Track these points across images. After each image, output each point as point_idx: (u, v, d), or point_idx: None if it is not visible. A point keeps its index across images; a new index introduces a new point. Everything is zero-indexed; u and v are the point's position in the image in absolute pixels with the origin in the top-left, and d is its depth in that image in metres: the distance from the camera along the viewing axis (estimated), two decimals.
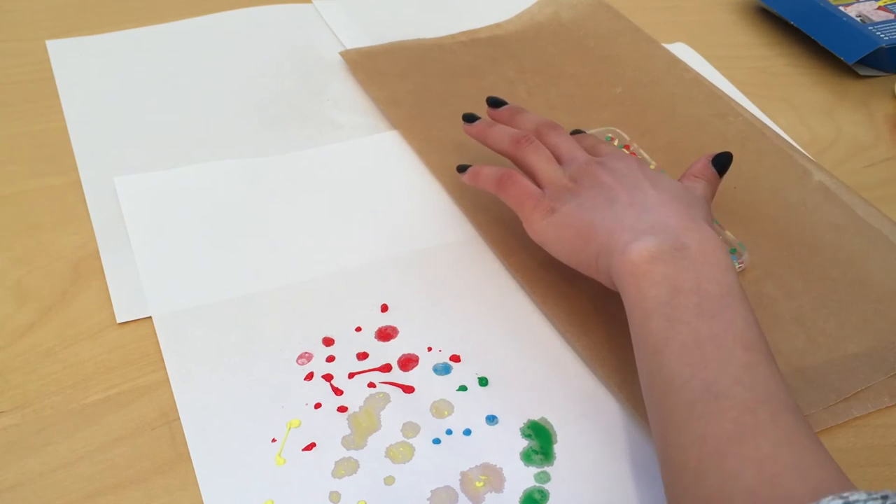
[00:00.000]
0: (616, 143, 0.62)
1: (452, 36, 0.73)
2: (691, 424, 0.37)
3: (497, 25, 0.75)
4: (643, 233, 0.43)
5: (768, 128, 0.65)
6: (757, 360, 0.38)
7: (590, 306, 0.50)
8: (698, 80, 0.69)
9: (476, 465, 0.43)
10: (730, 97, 0.68)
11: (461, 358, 0.48)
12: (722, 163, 0.53)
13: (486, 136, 0.55)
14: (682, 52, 0.75)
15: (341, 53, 0.71)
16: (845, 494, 0.31)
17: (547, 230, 0.48)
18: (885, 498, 0.30)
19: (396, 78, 0.67)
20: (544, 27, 0.75)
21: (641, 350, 0.41)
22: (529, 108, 0.65)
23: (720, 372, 0.38)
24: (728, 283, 0.41)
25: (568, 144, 0.53)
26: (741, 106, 0.67)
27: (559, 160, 0.52)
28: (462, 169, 0.54)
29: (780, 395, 0.37)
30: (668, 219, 0.44)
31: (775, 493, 0.34)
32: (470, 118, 0.56)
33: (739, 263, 0.53)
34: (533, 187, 0.50)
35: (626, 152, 0.52)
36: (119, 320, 0.49)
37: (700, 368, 0.38)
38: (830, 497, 0.32)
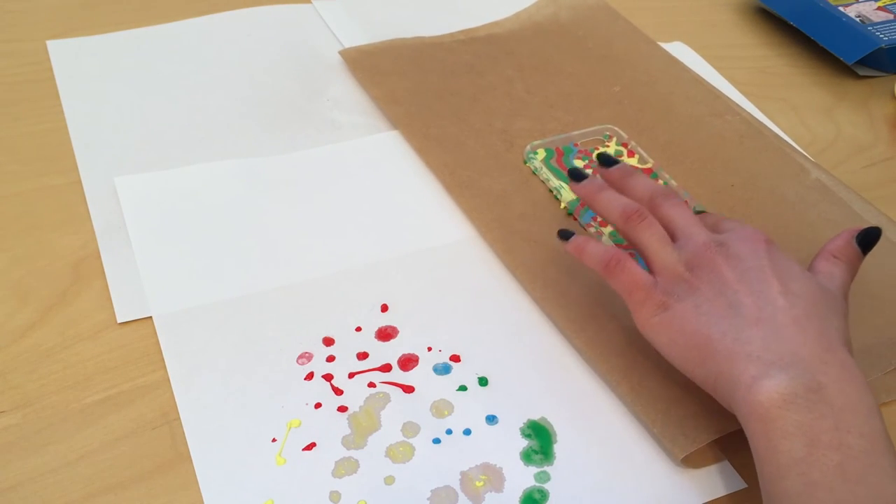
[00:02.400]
0: (614, 140, 0.62)
1: (451, 34, 0.74)
2: None
3: (496, 23, 0.75)
4: (772, 366, 0.38)
5: (766, 127, 0.65)
6: None
7: (589, 304, 0.50)
8: (696, 80, 0.69)
9: (476, 465, 0.43)
10: (727, 97, 0.68)
11: (461, 358, 0.48)
12: (868, 240, 0.47)
13: (596, 201, 0.49)
14: (680, 51, 0.75)
15: (340, 52, 0.71)
16: None
17: (658, 330, 0.43)
18: None
19: (395, 76, 0.68)
20: (543, 27, 0.75)
21: None
22: (528, 106, 0.66)
23: None
24: (873, 433, 0.36)
25: (684, 218, 0.47)
26: (739, 105, 0.67)
27: (673, 236, 0.46)
28: (565, 236, 0.49)
29: None
30: (801, 347, 0.39)
31: None
32: (577, 176, 0.50)
33: None
34: (644, 276, 0.45)
35: (753, 232, 0.45)
36: (119, 320, 0.49)
37: None
38: None
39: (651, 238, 0.46)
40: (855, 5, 0.78)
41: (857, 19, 0.76)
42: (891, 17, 0.77)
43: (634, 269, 0.45)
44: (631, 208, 0.47)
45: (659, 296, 0.44)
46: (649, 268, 0.46)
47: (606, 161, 0.52)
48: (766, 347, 0.39)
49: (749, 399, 0.38)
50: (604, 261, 0.46)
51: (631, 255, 0.48)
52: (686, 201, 0.50)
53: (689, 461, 0.44)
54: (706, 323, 0.41)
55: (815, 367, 0.38)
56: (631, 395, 0.46)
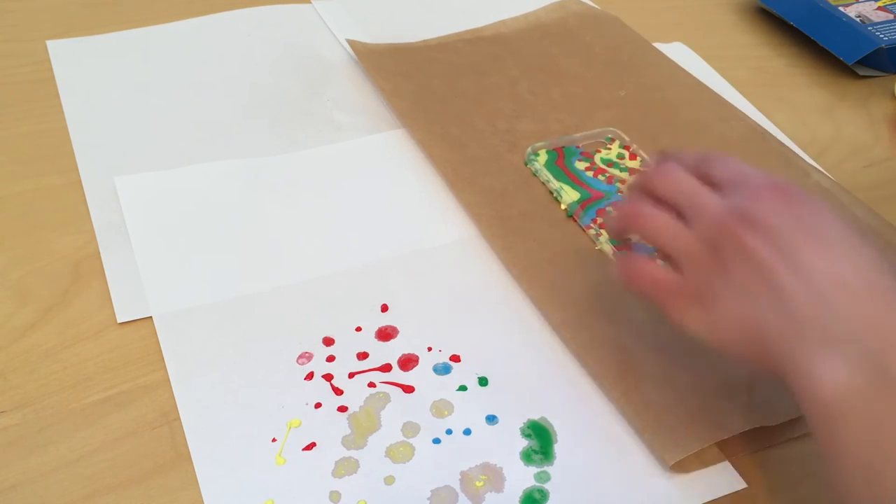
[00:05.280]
0: (616, 143, 0.62)
1: (458, 34, 0.74)
2: None
3: (502, 23, 0.76)
4: (826, 343, 0.34)
5: (768, 132, 0.65)
6: None
7: (586, 305, 0.50)
8: (701, 86, 0.70)
9: (476, 465, 0.43)
10: (731, 103, 0.68)
11: (461, 358, 0.48)
12: None
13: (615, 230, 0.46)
14: (680, 51, 0.75)
15: (349, 41, 0.71)
16: None
17: (704, 328, 0.39)
18: None
19: (399, 77, 0.68)
20: (550, 30, 0.75)
21: None
22: (532, 107, 0.66)
23: None
24: None
25: (683, 184, 0.41)
26: (742, 111, 0.67)
27: (679, 211, 0.41)
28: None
29: None
30: (856, 313, 0.34)
31: None
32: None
33: None
34: (662, 273, 0.41)
35: (766, 183, 0.39)
36: (119, 320, 0.49)
37: None
38: None
39: (653, 226, 0.41)
40: (855, 5, 0.78)
41: (857, 19, 0.76)
42: (891, 17, 0.77)
43: (650, 271, 0.41)
44: (621, 214, 0.44)
45: (689, 292, 0.39)
46: (670, 263, 0.41)
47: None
48: (815, 317, 0.35)
49: (805, 393, 0.34)
50: (622, 269, 0.42)
51: (651, 259, 0.44)
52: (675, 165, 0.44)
53: (681, 466, 0.43)
54: (751, 311, 0.37)
55: (876, 341, 0.33)
56: (623, 400, 0.46)
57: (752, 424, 0.44)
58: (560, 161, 0.60)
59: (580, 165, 0.60)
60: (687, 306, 0.39)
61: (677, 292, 0.40)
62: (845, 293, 0.35)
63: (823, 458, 0.34)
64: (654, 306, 0.42)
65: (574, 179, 0.59)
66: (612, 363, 0.47)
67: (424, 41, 0.72)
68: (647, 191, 0.43)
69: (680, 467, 0.43)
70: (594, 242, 0.54)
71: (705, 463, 0.44)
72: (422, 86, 0.67)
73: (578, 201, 0.57)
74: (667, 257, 0.41)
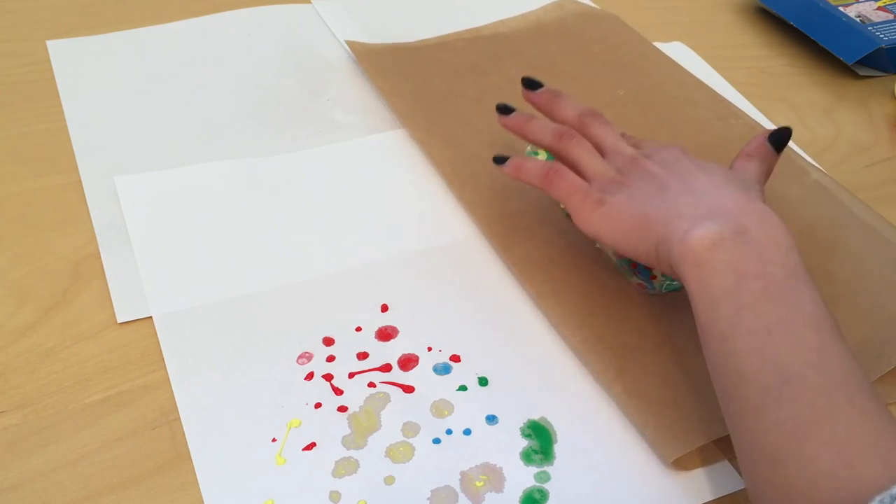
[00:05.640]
0: None
1: (457, 33, 0.74)
2: (766, 411, 0.37)
3: (501, 23, 0.76)
4: (701, 218, 0.43)
5: (768, 131, 0.65)
6: (828, 342, 0.38)
7: (587, 303, 0.50)
8: (700, 84, 0.70)
9: (476, 465, 0.43)
10: (731, 102, 0.68)
11: (461, 358, 0.48)
12: (779, 138, 0.51)
13: (526, 130, 0.53)
14: (679, 51, 0.75)
15: (348, 42, 0.71)
16: None
17: (599, 223, 0.47)
18: None
19: (399, 77, 0.68)
20: (549, 29, 0.75)
21: (709, 339, 0.41)
22: (529, 106, 0.65)
23: (791, 356, 0.37)
24: (792, 264, 0.41)
25: (612, 136, 0.51)
26: (742, 110, 0.67)
27: (603, 153, 0.51)
28: (501, 160, 0.52)
29: (854, 376, 0.37)
30: (724, 202, 0.44)
31: (855, 476, 0.34)
32: (506, 109, 0.54)
33: None
34: (580, 181, 0.49)
35: (671, 145, 0.51)
36: (119, 320, 0.49)
37: (771, 354, 0.38)
38: None
39: (582, 152, 0.50)
40: (855, 5, 0.78)
41: (857, 19, 0.76)
42: (891, 17, 0.77)
43: (571, 177, 0.49)
44: (561, 129, 0.51)
45: (595, 194, 0.48)
46: (584, 177, 0.49)
47: (532, 85, 0.55)
48: (694, 206, 0.44)
49: (683, 248, 0.42)
50: (542, 173, 0.50)
51: None
52: (609, 122, 0.53)
53: (681, 464, 0.44)
54: (640, 204, 0.46)
55: (738, 215, 0.42)
56: (624, 396, 0.46)
57: None
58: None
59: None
60: (590, 205, 0.47)
61: (585, 194, 0.48)
62: (717, 191, 0.45)
63: (694, 300, 0.41)
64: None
65: None
66: (613, 361, 0.47)
67: (423, 41, 0.72)
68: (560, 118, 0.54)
69: (680, 465, 0.43)
70: (593, 241, 0.54)
71: (705, 462, 0.44)
72: (421, 85, 0.67)
73: None
74: (584, 176, 0.50)
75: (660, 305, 0.51)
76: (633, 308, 0.50)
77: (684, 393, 0.45)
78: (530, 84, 0.55)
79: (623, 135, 0.53)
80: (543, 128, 0.52)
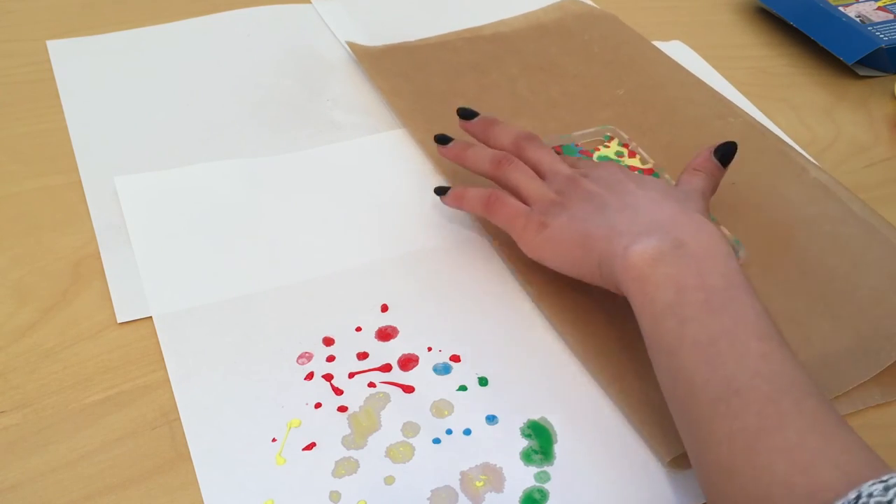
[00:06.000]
0: (615, 141, 0.62)
1: (457, 32, 0.74)
2: (717, 423, 0.37)
3: (502, 22, 0.76)
4: (639, 235, 0.44)
5: (768, 129, 0.65)
6: (772, 350, 0.38)
7: (586, 304, 0.50)
8: (700, 83, 0.70)
9: (476, 465, 0.43)
10: (730, 100, 0.68)
11: (461, 358, 0.48)
12: (724, 153, 0.52)
13: (464, 158, 0.54)
14: (679, 50, 0.75)
15: (348, 43, 0.71)
16: (885, 478, 0.31)
17: (542, 246, 0.48)
18: None
19: (399, 78, 0.68)
20: (549, 29, 0.75)
21: (656, 352, 0.41)
22: (531, 106, 0.66)
23: (737, 366, 0.38)
24: (730, 273, 0.41)
25: (548, 157, 0.52)
26: (742, 109, 0.67)
27: (541, 175, 0.52)
28: (442, 191, 0.54)
29: (801, 382, 0.37)
30: (661, 216, 0.45)
31: (811, 483, 0.34)
32: (443, 140, 0.55)
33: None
34: (521, 205, 0.50)
35: (608, 161, 0.53)
36: (119, 320, 0.49)
37: (718, 365, 0.38)
38: (870, 483, 0.31)
39: (521, 176, 0.51)
40: (855, 5, 0.78)
41: (857, 19, 0.76)
42: (891, 17, 0.77)
43: (512, 202, 0.50)
44: (498, 155, 0.52)
45: (537, 217, 0.48)
46: (524, 201, 0.50)
47: (466, 115, 0.56)
48: (633, 222, 0.45)
49: (625, 265, 0.43)
50: (483, 200, 0.51)
51: None
52: (546, 146, 0.54)
53: (679, 463, 0.43)
54: (581, 224, 0.47)
55: (675, 229, 0.43)
56: (621, 396, 0.46)
57: None
58: None
59: None
60: (532, 229, 0.48)
61: (526, 219, 0.49)
62: (653, 205, 0.46)
63: (639, 315, 0.42)
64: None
65: None
66: (611, 361, 0.47)
67: (423, 40, 0.72)
68: (494, 143, 0.55)
69: (677, 464, 0.43)
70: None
71: None
72: (421, 85, 0.67)
73: None
74: (524, 202, 0.50)
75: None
76: (629, 308, 0.50)
77: None
78: (465, 114, 0.56)
79: (559, 156, 0.54)
80: (481, 155, 0.53)
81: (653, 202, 0.46)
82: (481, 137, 0.55)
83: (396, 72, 0.68)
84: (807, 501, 0.33)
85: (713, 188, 0.51)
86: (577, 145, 0.62)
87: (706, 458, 0.38)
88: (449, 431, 0.45)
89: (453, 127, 0.63)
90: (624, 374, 0.46)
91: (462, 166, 0.54)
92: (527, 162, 0.52)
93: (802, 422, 0.36)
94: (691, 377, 0.39)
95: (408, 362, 0.48)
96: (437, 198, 0.54)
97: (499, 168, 0.52)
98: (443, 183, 0.59)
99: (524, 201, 0.50)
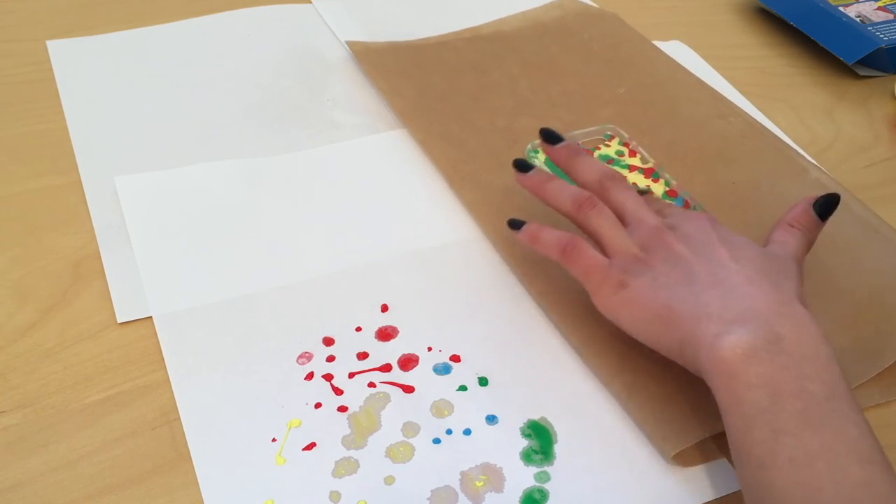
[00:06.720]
0: (616, 140, 0.62)
1: (456, 32, 0.74)
2: None
3: (502, 21, 0.76)
4: (732, 323, 0.40)
5: (767, 129, 0.65)
6: (875, 477, 0.35)
7: (587, 301, 0.50)
8: (700, 83, 0.70)
9: (476, 465, 0.43)
10: (731, 100, 0.68)
11: (461, 358, 0.48)
12: (825, 206, 0.48)
13: (544, 192, 0.50)
14: (678, 50, 0.75)
15: (348, 43, 0.71)
16: None
17: (620, 308, 0.44)
18: None
19: (399, 77, 0.68)
20: (549, 28, 0.75)
21: (744, 462, 0.38)
22: (531, 105, 0.66)
23: (835, 493, 0.34)
24: (832, 380, 0.38)
25: (634, 203, 0.48)
26: (742, 108, 0.67)
27: (623, 221, 0.48)
28: (516, 225, 0.49)
29: None
30: (757, 303, 0.40)
31: None
32: (523, 166, 0.51)
33: None
34: (600, 257, 0.46)
35: (697, 213, 0.48)
36: (119, 320, 0.49)
37: (814, 490, 0.35)
38: None
39: (604, 223, 0.47)
40: (855, 5, 0.78)
41: (857, 19, 0.76)
42: (891, 17, 0.77)
43: (591, 252, 0.46)
44: (582, 196, 0.48)
45: (616, 275, 0.45)
46: (604, 252, 0.47)
47: (550, 138, 0.52)
48: (724, 306, 0.41)
49: (713, 356, 0.39)
50: (560, 246, 0.47)
51: None
52: (633, 186, 0.51)
53: (682, 459, 0.44)
54: (665, 293, 0.43)
55: (772, 321, 0.39)
56: (624, 393, 0.46)
57: None
58: None
59: None
60: (610, 287, 0.45)
61: (605, 274, 0.45)
62: (749, 286, 0.41)
63: (725, 415, 0.39)
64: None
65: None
66: (613, 357, 0.47)
67: (423, 39, 0.73)
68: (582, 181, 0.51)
69: (681, 460, 0.43)
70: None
71: (706, 458, 0.44)
72: (421, 84, 0.67)
73: None
74: (603, 251, 0.47)
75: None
76: None
77: (683, 388, 0.45)
78: (549, 137, 0.52)
79: (646, 198, 0.51)
80: (562, 192, 0.49)
81: (748, 282, 0.41)
82: (564, 167, 0.52)
83: (396, 70, 0.68)
84: None
85: (808, 247, 0.47)
86: (577, 144, 0.62)
87: None
88: (449, 431, 0.45)
89: (453, 125, 0.63)
90: (626, 370, 0.47)
91: (540, 199, 0.50)
92: (611, 205, 0.48)
93: None
94: (784, 498, 0.35)
95: (408, 362, 0.48)
96: (438, 197, 0.54)
97: (580, 211, 0.48)
98: (443, 182, 0.59)
99: (604, 251, 0.47)
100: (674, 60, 0.72)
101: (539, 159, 0.60)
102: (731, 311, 0.40)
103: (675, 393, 0.45)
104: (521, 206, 0.57)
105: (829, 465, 0.35)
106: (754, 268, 0.43)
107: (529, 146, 0.61)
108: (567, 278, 0.51)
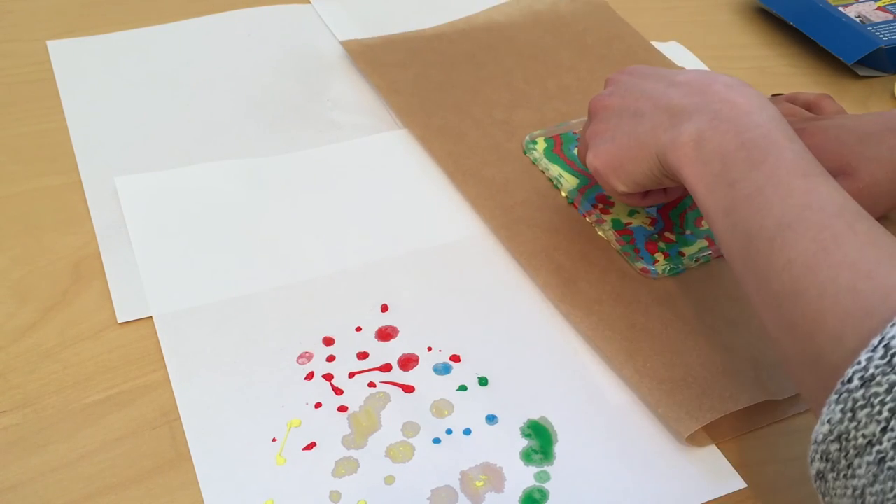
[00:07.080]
0: None
1: (451, 23, 0.74)
2: (774, 256, 0.38)
3: (495, 9, 0.76)
4: (678, 124, 0.45)
5: None
6: (816, 184, 0.39)
7: (594, 289, 0.51)
8: None
9: (476, 465, 0.43)
10: None
11: (461, 358, 0.48)
12: None
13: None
14: (675, 50, 0.75)
15: (343, 42, 0.71)
16: None
17: (610, 173, 0.49)
18: None
19: (397, 68, 0.68)
20: (543, 16, 0.76)
21: (714, 220, 0.42)
22: (526, 97, 0.66)
23: (786, 206, 0.39)
24: (765, 120, 0.42)
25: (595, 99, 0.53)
26: None
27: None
28: None
29: (850, 208, 0.38)
30: (691, 98, 0.45)
31: (876, 286, 0.34)
32: None
33: None
34: (582, 153, 0.52)
35: (632, 67, 0.53)
36: (120, 320, 0.49)
37: (768, 210, 0.39)
38: None
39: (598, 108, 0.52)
40: (855, 5, 0.78)
41: (857, 19, 0.76)
42: (891, 17, 0.77)
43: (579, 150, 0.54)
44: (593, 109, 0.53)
45: (594, 154, 0.50)
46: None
47: None
48: (670, 115, 0.46)
49: (677, 155, 0.44)
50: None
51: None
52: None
53: (695, 440, 0.44)
54: (623, 138, 0.48)
55: (707, 100, 0.44)
56: (636, 377, 0.46)
57: (760, 398, 0.45)
58: (558, 148, 0.61)
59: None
60: (598, 163, 0.50)
61: (592, 158, 0.50)
62: (674, 90, 0.47)
63: (694, 194, 0.43)
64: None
65: (573, 166, 0.59)
66: (622, 344, 0.48)
67: (418, 31, 0.73)
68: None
69: (693, 441, 0.44)
70: (595, 228, 0.55)
71: (705, 462, 0.44)
72: (418, 75, 0.67)
73: (577, 188, 0.58)
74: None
75: (664, 288, 0.52)
76: (638, 292, 0.51)
77: (694, 371, 0.46)
78: None
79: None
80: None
81: (675, 85, 0.47)
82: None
83: (392, 62, 0.69)
84: (876, 301, 0.34)
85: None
86: (574, 133, 0.62)
87: (770, 292, 0.38)
88: (449, 431, 0.45)
89: (451, 118, 0.63)
90: (636, 356, 0.47)
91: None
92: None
93: (857, 239, 0.36)
94: (746, 228, 0.40)
95: (408, 362, 0.48)
96: (437, 197, 0.54)
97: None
98: (443, 182, 0.59)
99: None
100: (666, 57, 0.72)
101: (536, 149, 0.60)
102: (676, 117, 0.45)
103: (684, 376, 0.46)
104: (524, 199, 0.57)
105: (774, 187, 0.40)
106: (683, 78, 0.48)
107: (528, 137, 0.61)
108: (572, 268, 0.52)
